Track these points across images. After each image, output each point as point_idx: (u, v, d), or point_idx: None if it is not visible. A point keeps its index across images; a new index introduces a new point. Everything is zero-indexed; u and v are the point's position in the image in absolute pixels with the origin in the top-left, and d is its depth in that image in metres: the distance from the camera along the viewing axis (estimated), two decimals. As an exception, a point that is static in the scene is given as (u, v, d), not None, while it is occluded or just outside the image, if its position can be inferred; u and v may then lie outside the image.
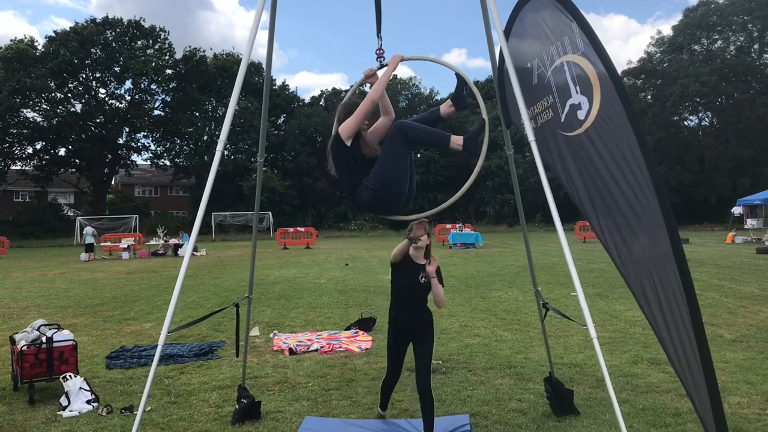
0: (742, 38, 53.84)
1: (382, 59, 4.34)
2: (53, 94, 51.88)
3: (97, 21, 52.19)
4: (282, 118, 61.45)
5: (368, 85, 4.35)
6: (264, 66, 5.02)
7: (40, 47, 50.59)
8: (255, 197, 5.30)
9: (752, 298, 10.99)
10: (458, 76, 4.16)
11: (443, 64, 4.50)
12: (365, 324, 8.78)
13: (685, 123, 56.01)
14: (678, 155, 50.86)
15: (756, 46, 53.27)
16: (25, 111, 51.13)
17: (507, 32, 4.19)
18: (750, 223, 33.27)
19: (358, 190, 4.00)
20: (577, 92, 3.53)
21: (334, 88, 64.64)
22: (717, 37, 54.51)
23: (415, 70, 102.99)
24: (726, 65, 50.29)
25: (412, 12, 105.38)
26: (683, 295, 2.95)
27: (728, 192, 47.34)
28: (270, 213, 47.20)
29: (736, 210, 33.65)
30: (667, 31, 65.71)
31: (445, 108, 4.20)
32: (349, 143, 4.00)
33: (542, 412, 5.10)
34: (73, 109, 53.35)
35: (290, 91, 63.16)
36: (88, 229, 28.90)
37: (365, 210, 4.14)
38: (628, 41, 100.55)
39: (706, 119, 56.10)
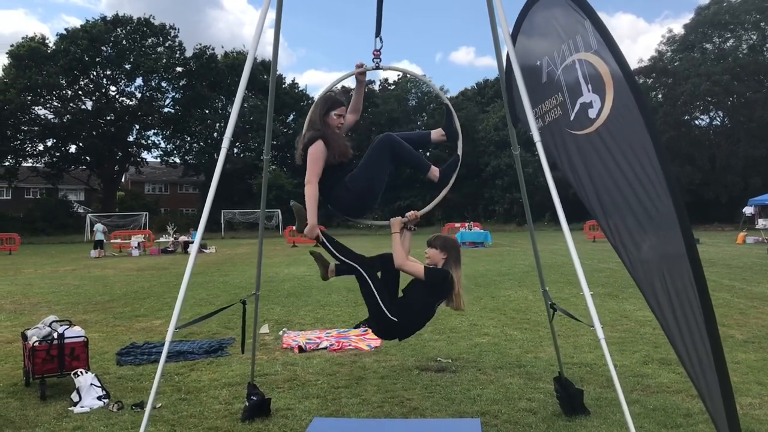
0: (754, 37, 53.37)
1: (378, 60, 4.42)
2: (64, 92, 52.30)
3: (108, 19, 52.51)
4: (291, 116, 61.53)
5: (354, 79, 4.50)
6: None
7: (51, 45, 50.94)
8: (261, 195, 5.31)
9: (764, 298, 10.91)
10: (448, 109, 4.38)
11: (432, 87, 4.70)
12: (374, 322, 8.78)
13: (696, 122, 55.69)
14: (689, 154, 50.55)
15: (768, 45, 52.90)
16: (36, 108, 51.59)
17: (516, 30, 4.18)
18: (761, 223, 32.96)
19: (336, 189, 4.13)
20: (588, 90, 3.51)
21: (343, 87, 64.59)
22: (729, 35, 54.05)
23: (425, 68, 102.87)
24: (738, 64, 49.93)
25: (420, 9, 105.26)
26: (696, 295, 2.93)
27: (739, 192, 46.99)
28: (279, 211, 47.27)
29: (748, 210, 33.40)
30: (678, 29, 65.23)
31: (437, 135, 4.39)
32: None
33: (552, 412, 5.08)
34: (83, 107, 53.75)
35: (299, 89, 63.22)
36: (99, 226, 29.07)
37: (339, 209, 4.26)
38: (636, 40, 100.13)
39: (718, 118, 55.76)
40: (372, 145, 4.16)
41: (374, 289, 4.04)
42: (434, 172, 4.26)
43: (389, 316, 4.00)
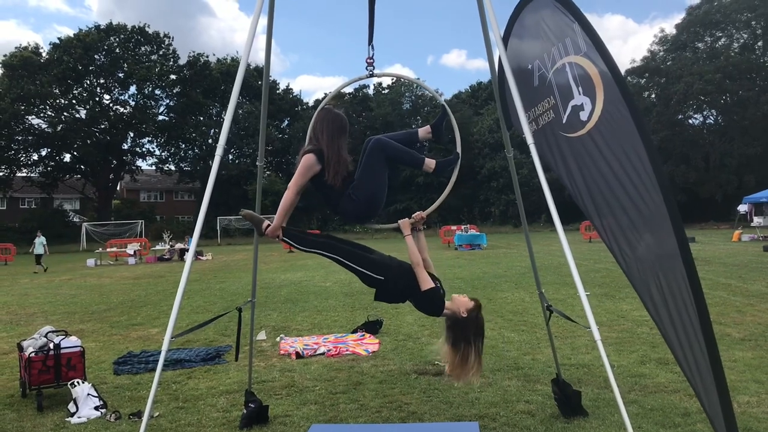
0: (746, 36, 53.59)
1: (372, 68, 4.46)
2: (58, 101, 52.24)
3: (102, 27, 52.50)
4: (286, 122, 61.56)
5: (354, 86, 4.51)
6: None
7: (44, 54, 50.89)
8: (256, 201, 5.31)
9: (760, 296, 10.93)
10: (443, 108, 4.40)
11: (427, 89, 4.79)
12: (372, 327, 8.77)
13: (690, 121, 55.79)
14: (683, 154, 50.69)
15: (760, 44, 53.05)
16: (30, 118, 51.54)
17: (507, 33, 4.19)
18: (756, 220, 33.08)
19: (342, 202, 4.14)
20: (579, 93, 3.52)
21: (339, 94, 64.75)
22: (721, 34, 54.26)
23: (417, 72, 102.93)
24: (730, 63, 50.11)
25: (411, 11, 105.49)
26: (691, 295, 2.93)
27: (734, 190, 47.16)
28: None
29: (742, 208, 33.49)
30: (669, 29, 65.52)
31: (423, 133, 4.39)
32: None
33: (550, 414, 5.09)
34: (77, 116, 53.69)
35: (293, 94, 63.25)
36: (39, 239, 25.69)
37: (348, 219, 4.30)
38: (626, 41, 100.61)
39: (711, 117, 55.90)
40: (364, 153, 4.14)
41: (347, 262, 4.17)
42: (429, 163, 4.25)
43: (374, 276, 4.19)
